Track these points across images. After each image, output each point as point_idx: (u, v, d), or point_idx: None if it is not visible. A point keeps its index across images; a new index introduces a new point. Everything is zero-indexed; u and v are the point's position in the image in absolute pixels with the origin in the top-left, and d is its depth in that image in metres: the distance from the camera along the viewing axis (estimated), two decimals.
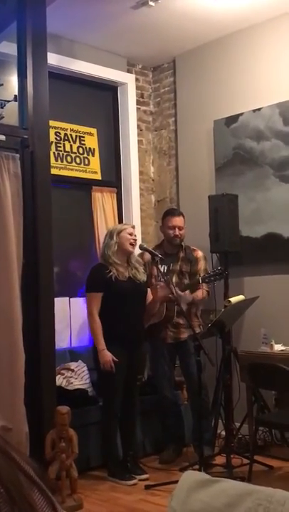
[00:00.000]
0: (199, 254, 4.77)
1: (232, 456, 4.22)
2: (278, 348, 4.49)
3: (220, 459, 4.34)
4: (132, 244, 4.34)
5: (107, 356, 4.14)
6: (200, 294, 4.60)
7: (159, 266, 4.51)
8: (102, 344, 4.17)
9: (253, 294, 4.47)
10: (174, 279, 4.62)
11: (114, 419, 4.29)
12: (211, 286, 4.68)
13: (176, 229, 4.68)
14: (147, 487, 4.04)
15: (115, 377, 4.17)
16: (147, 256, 4.65)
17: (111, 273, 4.22)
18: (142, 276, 4.39)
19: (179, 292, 4.45)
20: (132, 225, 4.57)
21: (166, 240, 4.78)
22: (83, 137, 5.55)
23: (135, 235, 4.45)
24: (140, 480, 4.17)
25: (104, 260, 4.31)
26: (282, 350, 4.47)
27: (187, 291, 4.53)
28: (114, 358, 4.13)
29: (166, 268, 4.63)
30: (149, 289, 4.53)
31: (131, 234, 4.35)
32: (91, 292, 4.32)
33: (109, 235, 4.35)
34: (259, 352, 4.56)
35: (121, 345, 4.21)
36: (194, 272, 4.66)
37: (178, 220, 4.72)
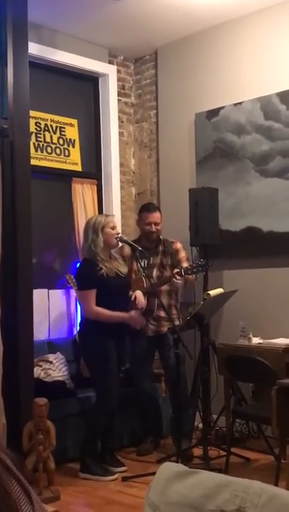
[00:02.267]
0: (178, 245, 4.79)
1: (209, 448, 4.25)
2: (256, 341, 4.52)
3: (197, 451, 4.37)
4: (116, 239, 4.32)
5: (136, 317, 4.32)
6: (191, 277, 4.59)
7: (139, 260, 4.50)
8: (121, 315, 4.21)
9: (232, 287, 4.48)
10: (155, 272, 4.63)
11: (107, 411, 4.23)
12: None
13: (153, 225, 4.68)
14: (124, 479, 4.05)
15: (111, 366, 4.14)
16: (127, 250, 4.66)
17: (102, 270, 4.18)
18: (124, 269, 4.39)
19: (176, 279, 4.41)
20: (112, 215, 4.52)
21: (143, 235, 4.78)
22: (64, 128, 5.52)
23: (116, 227, 4.42)
24: (118, 472, 4.18)
25: (91, 257, 4.23)
26: (259, 343, 4.50)
27: (179, 277, 4.48)
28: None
29: (146, 262, 4.62)
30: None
31: (113, 228, 4.31)
32: (87, 290, 4.21)
33: (93, 230, 4.22)
34: (237, 345, 4.58)
35: (110, 337, 4.19)
36: (176, 262, 4.67)
37: (154, 216, 4.72)
